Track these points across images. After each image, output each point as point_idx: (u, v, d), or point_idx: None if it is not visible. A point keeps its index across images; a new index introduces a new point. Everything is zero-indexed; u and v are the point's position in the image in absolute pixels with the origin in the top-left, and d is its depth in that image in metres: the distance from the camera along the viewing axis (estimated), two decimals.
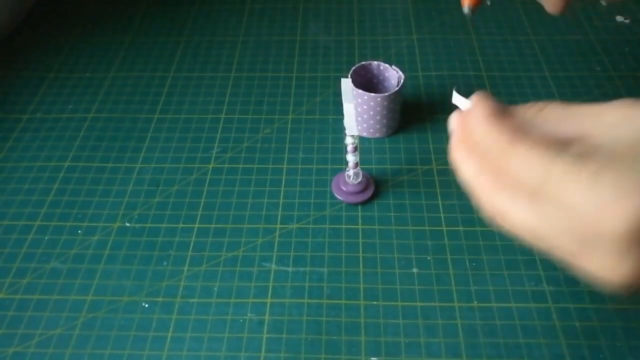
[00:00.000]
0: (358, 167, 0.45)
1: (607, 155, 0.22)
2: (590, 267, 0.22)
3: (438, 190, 0.46)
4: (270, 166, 0.50)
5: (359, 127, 0.47)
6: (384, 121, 0.50)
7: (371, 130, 0.51)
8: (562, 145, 0.23)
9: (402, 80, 0.49)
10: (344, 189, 0.46)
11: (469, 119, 0.26)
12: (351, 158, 0.44)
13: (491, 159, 0.24)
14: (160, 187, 0.49)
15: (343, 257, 0.43)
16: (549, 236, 0.23)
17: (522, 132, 0.24)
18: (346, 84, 0.41)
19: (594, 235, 0.21)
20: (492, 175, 0.24)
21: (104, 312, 0.40)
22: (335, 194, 0.46)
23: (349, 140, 0.42)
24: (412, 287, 0.41)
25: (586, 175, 0.21)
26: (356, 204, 0.46)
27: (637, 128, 0.22)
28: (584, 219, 0.21)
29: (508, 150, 0.23)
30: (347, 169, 0.45)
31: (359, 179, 0.45)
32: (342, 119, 0.53)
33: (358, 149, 0.44)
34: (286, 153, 0.51)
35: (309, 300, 0.40)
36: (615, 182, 0.20)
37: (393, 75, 0.51)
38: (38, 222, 0.46)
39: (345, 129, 0.41)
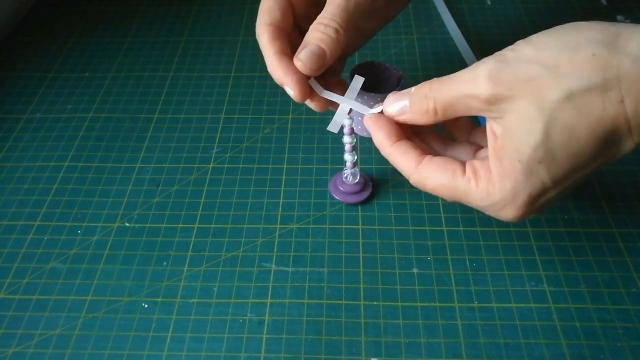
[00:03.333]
0: (356, 167, 0.45)
1: (494, 157, 0.29)
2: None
3: None
4: (270, 166, 0.50)
5: (359, 127, 0.46)
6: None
7: None
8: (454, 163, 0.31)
9: (402, 80, 0.49)
10: (341, 189, 0.46)
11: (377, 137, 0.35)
12: (349, 157, 0.43)
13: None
14: (159, 187, 0.48)
15: (343, 257, 0.43)
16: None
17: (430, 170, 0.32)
18: (358, 82, 0.40)
19: (495, 215, 0.31)
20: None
21: (103, 312, 0.40)
22: (333, 194, 0.46)
23: (347, 140, 0.42)
24: (413, 287, 0.40)
25: (479, 192, 0.30)
26: (354, 204, 0.46)
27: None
28: (486, 212, 0.31)
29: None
30: (344, 169, 0.45)
31: (357, 179, 0.45)
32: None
33: (357, 149, 0.43)
34: (286, 153, 0.51)
35: (309, 301, 0.40)
36: (500, 193, 0.29)
37: (393, 75, 0.50)
38: (37, 222, 0.46)
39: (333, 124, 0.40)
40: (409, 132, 0.35)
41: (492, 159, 0.29)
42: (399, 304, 0.40)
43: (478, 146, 0.34)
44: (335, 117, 0.38)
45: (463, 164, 0.31)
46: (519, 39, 0.31)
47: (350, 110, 0.38)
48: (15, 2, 0.69)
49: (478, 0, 0.67)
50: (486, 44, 0.60)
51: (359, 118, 0.52)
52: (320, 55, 0.35)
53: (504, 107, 0.28)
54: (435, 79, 0.31)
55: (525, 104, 0.27)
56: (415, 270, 0.41)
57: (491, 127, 0.30)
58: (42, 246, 0.44)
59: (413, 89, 0.33)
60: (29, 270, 0.43)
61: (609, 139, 0.27)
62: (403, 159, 0.32)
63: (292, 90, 0.36)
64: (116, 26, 0.68)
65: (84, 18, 0.69)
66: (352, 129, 0.41)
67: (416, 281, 0.41)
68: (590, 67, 0.26)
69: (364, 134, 0.52)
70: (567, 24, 0.28)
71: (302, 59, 0.35)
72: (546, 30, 0.29)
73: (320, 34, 0.35)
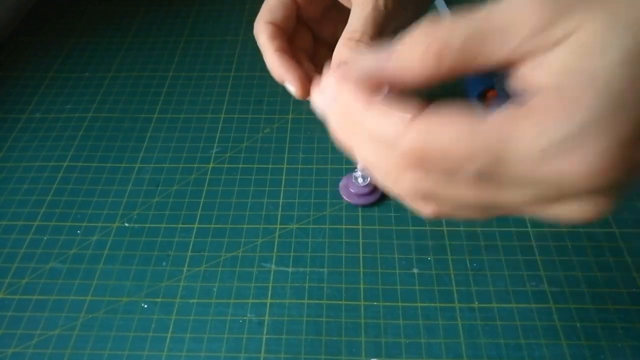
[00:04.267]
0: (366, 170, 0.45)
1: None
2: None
3: None
4: (270, 166, 0.50)
5: None
6: None
7: None
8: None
9: None
10: (352, 190, 0.46)
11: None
12: None
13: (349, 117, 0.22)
14: (159, 187, 0.48)
15: (343, 257, 0.43)
16: None
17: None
18: None
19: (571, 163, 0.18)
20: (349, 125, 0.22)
21: (103, 312, 0.40)
22: (344, 196, 0.46)
23: None
24: (413, 287, 0.40)
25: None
26: (365, 206, 0.46)
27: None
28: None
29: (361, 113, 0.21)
30: (355, 171, 0.45)
31: (367, 181, 0.45)
32: None
33: None
34: (286, 153, 0.51)
35: (309, 301, 0.40)
36: (585, 113, 0.17)
37: None
38: (37, 222, 0.46)
39: None
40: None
41: (542, 94, 0.18)
42: (399, 304, 0.39)
43: None
44: None
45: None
46: None
47: None
48: (15, 2, 0.69)
49: (478, 0, 0.67)
50: None
51: None
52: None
53: (568, 25, 0.18)
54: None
55: (597, 20, 0.18)
56: (415, 271, 0.41)
57: (542, 65, 0.19)
58: (42, 246, 0.44)
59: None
60: (29, 270, 0.43)
61: None
62: (391, 110, 0.20)
63: (293, 87, 0.35)
64: (116, 26, 0.68)
65: (84, 18, 0.69)
66: None
67: (416, 281, 0.41)
68: None
69: None
70: None
71: None
72: None
73: (352, 52, 0.32)
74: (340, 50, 0.33)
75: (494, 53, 0.19)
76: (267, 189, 0.48)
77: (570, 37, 0.18)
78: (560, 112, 0.17)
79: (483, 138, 0.18)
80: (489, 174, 0.18)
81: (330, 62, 0.34)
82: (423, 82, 0.20)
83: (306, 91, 0.35)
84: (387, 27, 0.34)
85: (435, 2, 0.64)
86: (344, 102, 0.21)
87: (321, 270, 0.42)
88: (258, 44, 0.37)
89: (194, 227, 0.45)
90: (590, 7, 0.18)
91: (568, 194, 0.18)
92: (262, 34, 0.35)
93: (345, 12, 0.35)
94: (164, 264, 0.43)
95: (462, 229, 0.44)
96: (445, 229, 0.44)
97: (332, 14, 0.38)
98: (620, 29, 0.18)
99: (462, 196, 0.20)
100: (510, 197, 0.19)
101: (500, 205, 0.20)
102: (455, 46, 0.19)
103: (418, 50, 0.19)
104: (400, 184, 0.21)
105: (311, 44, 0.40)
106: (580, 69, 0.18)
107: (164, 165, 0.50)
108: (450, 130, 0.18)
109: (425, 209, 0.22)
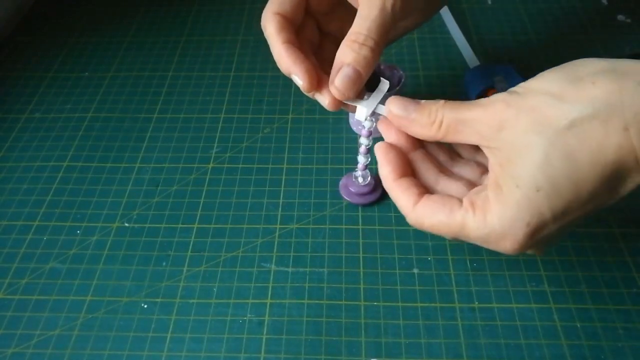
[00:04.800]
0: (367, 169, 0.44)
1: (493, 185, 0.28)
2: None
3: None
4: (270, 166, 0.50)
5: (359, 127, 0.46)
6: None
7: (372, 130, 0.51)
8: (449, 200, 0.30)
9: (403, 80, 0.49)
10: (352, 190, 0.46)
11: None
12: (362, 159, 0.42)
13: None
14: (159, 187, 0.48)
15: (343, 257, 0.43)
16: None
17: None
18: (384, 85, 0.36)
19: (495, 248, 0.29)
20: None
21: (103, 312, 0.40)
22: (344, 196, 0.46)
23: (363, 142, 0.40)
24: (413, 287, 0.40)
25: (476, 222, 0.28)
26: (365, 205, 0.46)
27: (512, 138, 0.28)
28: (485, 244, 0.29)
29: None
30: (356, 170, 0.45)
31: (367, 181, 0.45)
32: (344, 118, 0.53)
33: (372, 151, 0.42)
34: (286, 153, 0.51)
35: (309, 301, 0.40)
36: (498, 222, 0.28)
37: (394, 75, 0.50)
38: (37, 222, 0.46)
39: (359, 124, 0.38)
40: (416, 142, 0.33)
41: (491, 187, 0.28)
42: (399, 304, 0.39)
43: (484, 168, 0.32)
44: (357, 117, 0.36)
45: (461, 200, 0.30)
46: (519, 39, 0.31)
47: (374, 113, 0.36)
48: (15, 2, 0.69)
49: (479, 0, 0.67)
50: (487, 43, 0.60)
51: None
52: (355, 80, 0.33)
53: (505, 135, 0.27)
54: (450, 101, 0.31)
55: (526, 130, 0.27)
56: (415, 271, 0.41)
57: (492, 158, 0.29)
58: (42, 246, 0.44)
59: (423, 101, 0.31)
60: (28, 270, 0.43)
61: (613, 170, 0.25)
62: (403, 196, 0.31)
63: (300, 80, 0.34)
64: (116, 26, 0.68)
65: (84, 18, 0.69)
66: (370, 132, 0.40)
67: (416, 281, 0.41)
68: (593, 96, 0.25)
69: (379, 134, 0.51)
70: (575, 60, 0.28)
71: (338, 85, 0.33)
72: (555, 67, 0.29)
73: (355, 54, 0.32)
74: (344, 51, 0.33)
75: (468, 136, 0.29)
76: (267, 189, 0.48)
77: (508, 142, 0.28)
78: (498, 214, 0.27)
79: (451, 229, 0.29)
80: (457, 240, 0.30)
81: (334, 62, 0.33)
82: (427, 139, 0.32)
83: (313, 85, 0.34)
84: (394, 29, 0.34)
85: (441, 13, 0.64)
86: (383, 174, 0.33)
87: (321, 270, 0.42)
88: (265, 34, 0.36)
89: (193, 227, 0.45)
90: (526, 119, 0.27)
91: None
92: (270, 24, 0.35)
93: (353, 10, 0.35)
94: (164, 264, 0.43)
95: None
96: None
97: (340, 8, 0.38)
98: (541, 136, 0.26)
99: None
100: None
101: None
102: (446, 126, 0.30)
103: (425, 121, 0.30)
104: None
105: (317, 37, 0.39)
106: (511, 169, 0.27)
107: (163, 165, 0.50)
108: (433, 220, 0.30)
109: None
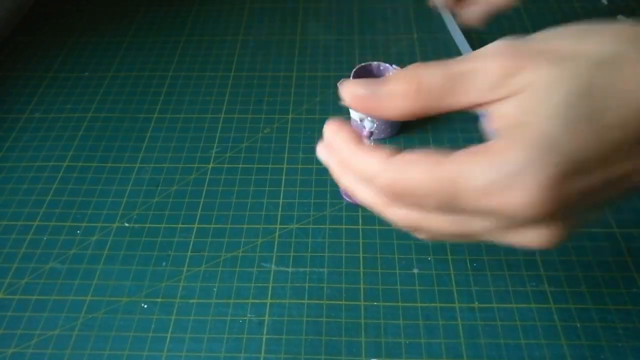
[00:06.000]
0: None
1: None
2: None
3: None
4: (270, 166, 0.50)
5: (376, 131, 0.46)
6: (385, 122, 0.49)
7: None
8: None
9: None
10: None
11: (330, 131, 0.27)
12: None
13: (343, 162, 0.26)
14: (159, 187, 0.48)
15: (343, 257, 0.43)
16: None
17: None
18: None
19: (497, 206, 0.22)
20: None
21: (103, 312, 0.40)
22: (344, 196, 0.46)
23: (365, 142, 0.40)
24: (413, 287, 0.40)
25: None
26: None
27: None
28: (485, 199, 0.22)
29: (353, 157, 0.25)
30: None
31: None
32: (344, 118, 0.53)
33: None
34: (286, 153, 0.51)
35: (309, 301, 0.40)
36: (510, 161, 0.21)
37: None
38: (37, 222, 0.46)
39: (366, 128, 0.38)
40: None
41: (498, 134, 0.22)
42: (400, 304, 0.39)
43: None
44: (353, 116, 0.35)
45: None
46: None
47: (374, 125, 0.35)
48: (15, 2, 0.69)
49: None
50: (487, 43, 0.60)
51: (360, 121, 0.51)
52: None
53: (521, 80, 0.22)
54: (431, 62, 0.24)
55: (546, 70, 0.21)
56: (415, 271, 0.41)
57: (501, 109, 0.23)
58: (42, 246, 0.44)
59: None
60: (28, 270, 0.43)
61: None
62: (375, 152, 0.24)
63: None
64: (116, 26, 0.68)
65: (84, 18, 0.69)
66: (371, 132, 0.40)
67: (417, 282, 0.41)
68: (618, 33, 0.21)
69: (382, 136, 0.52)
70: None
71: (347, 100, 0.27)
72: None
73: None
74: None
75: (465, 94, 0.23)
76: (267, 189, 0.48)
77: (522, 92, 0.22)
78: (506, 154, 0.21)
79: (440, 176, 0.21)
80: (448, 206, 0.21)
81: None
82: (404, 115, 0.24)
83: None
84: None
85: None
86: (338, 146, 0.26)
87: (321, 270, 0.42)
88: None
89: (194, 227, 0.45)
90: (539, 67, 0.22)
91: (518, 223, 0.21)
92: None
93: None
94: (164, 264, 0.43)
95: None
96: None
97: None
98: (556, 89, 0.21)
99: (440, 226, 0.23)
100: (476, 226, 0.22)
101: (471, 233, 0.23)
102: (432, 86, 0.23)
103: (401, 88, 0.23)
104: (388, 217, 0.24)
105: None
106: (524, 122, 0.21)
107: (163, 165, 0.50)
108: (415, 169, 0.22)
109: (419, 236, 0.25)
